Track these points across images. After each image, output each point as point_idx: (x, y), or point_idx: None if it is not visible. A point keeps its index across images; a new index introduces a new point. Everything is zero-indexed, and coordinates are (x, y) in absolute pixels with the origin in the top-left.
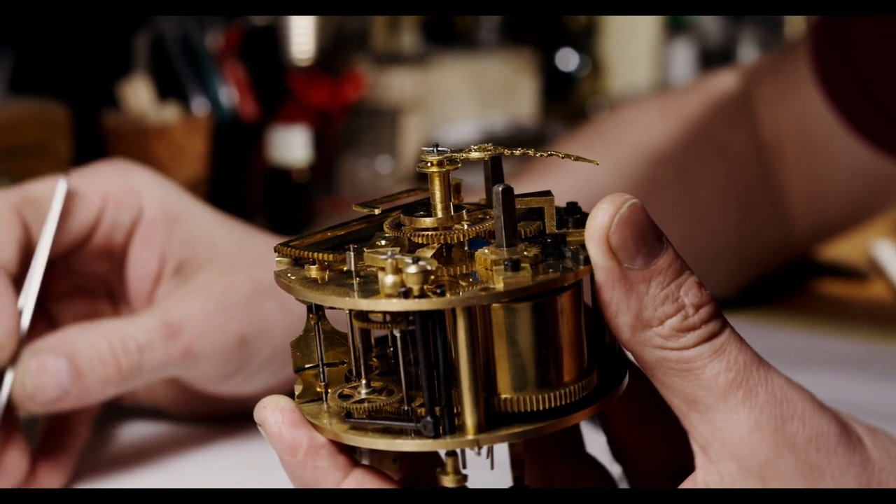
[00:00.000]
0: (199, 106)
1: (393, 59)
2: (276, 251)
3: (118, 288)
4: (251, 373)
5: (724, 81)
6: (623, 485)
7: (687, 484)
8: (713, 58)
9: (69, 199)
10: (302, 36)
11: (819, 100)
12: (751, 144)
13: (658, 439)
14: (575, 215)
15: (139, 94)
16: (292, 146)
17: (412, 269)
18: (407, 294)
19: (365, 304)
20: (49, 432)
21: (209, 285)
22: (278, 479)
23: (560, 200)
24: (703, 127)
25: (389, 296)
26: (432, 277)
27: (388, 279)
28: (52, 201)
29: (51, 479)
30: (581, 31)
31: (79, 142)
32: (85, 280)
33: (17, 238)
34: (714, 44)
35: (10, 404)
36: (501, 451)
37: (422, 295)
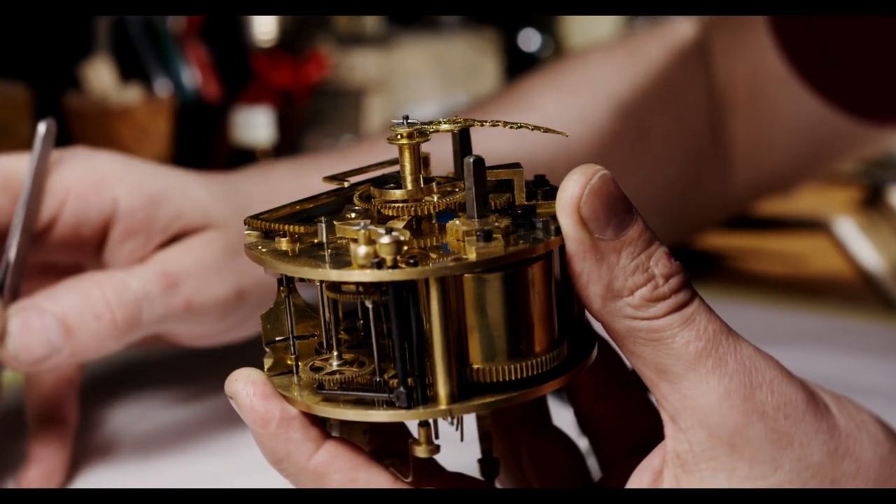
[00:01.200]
0: (162, 87)
1: (356, 39)
2: (246, 224)
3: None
4: (249, 327)
5: (685, 29)
6: (590, 458)
7: (656, 453)
8: None
9: (49, 142)
10: (264, 17)
11: (772, 49)
12: (705, 93)
13: (625, 412)
14: (543, 187)
15: (101, 76)
16: (256, 127)
17: (385, 240)
18: (380, 265)
19: (338, 276)
20: (39, 426)
21: (203, 241)
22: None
23: (520, 137)
24: (665, 76)
25: (363, 267)
26: (405, 248)
27: (361, 250)
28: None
29: (50, 473)
30: None
31: None
32: (58, 259)
33: None
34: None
35: None
36: (469, 424)
37: (394, 266)
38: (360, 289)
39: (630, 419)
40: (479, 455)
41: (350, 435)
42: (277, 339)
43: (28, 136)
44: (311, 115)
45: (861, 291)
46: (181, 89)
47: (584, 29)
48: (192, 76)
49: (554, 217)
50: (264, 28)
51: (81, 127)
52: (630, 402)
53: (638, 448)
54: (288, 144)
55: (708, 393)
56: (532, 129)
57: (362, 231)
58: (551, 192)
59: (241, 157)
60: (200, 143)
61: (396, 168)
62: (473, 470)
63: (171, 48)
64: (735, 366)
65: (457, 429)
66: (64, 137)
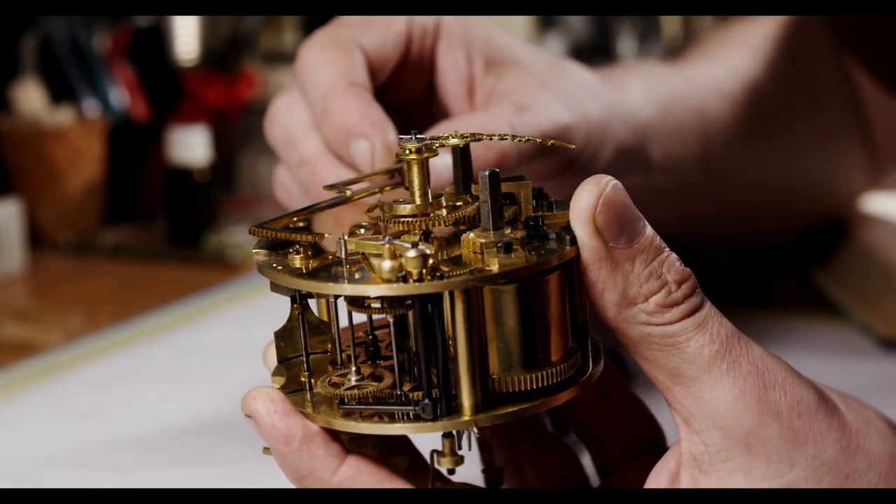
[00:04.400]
0: (90, 108)
1: (278, 57)
2: (251, 233)
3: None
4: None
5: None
6: (585, 461)
7: (671, 454)
8: (585, 53)
9: None
10: (186, 36)
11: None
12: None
13: (622, 416)
14: (544, 200)
15: (31, 97)
16: (192, 146)
17: (412, 254)
18: (405, 279)
19: (364, 291)
20: None
21: (529, 76)
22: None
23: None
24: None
25: (388, 281)
26: (430, 261)
27: (386, 264)
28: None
29: None
30: None
31: None
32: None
33: (362, 62)
34: (584, 39)
35: None
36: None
37: (420, 279)
38: (385, 303)
39: (626, 421)
40: (479, 466)
41: (359, 449)
42: (291, 356)
43: None
44: (243, 134)
45: (799, 293)
46: (110, 110)
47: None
48: (119, 97)
49: (564, 227)
50: (186, 47)
51: (14, 149)
52: (627, 407)
53: (636, 450)
54: (223, 163)
55: (723, 395)
56: (539, 142)
57: (387, 245)
58: (553, 204)
59: (178, 177)
60: (133, 164)
61: (387, 179)
62: (477, 481)
63: (98, 69)
64: (748, 367)
65: (469, 446)
66: None
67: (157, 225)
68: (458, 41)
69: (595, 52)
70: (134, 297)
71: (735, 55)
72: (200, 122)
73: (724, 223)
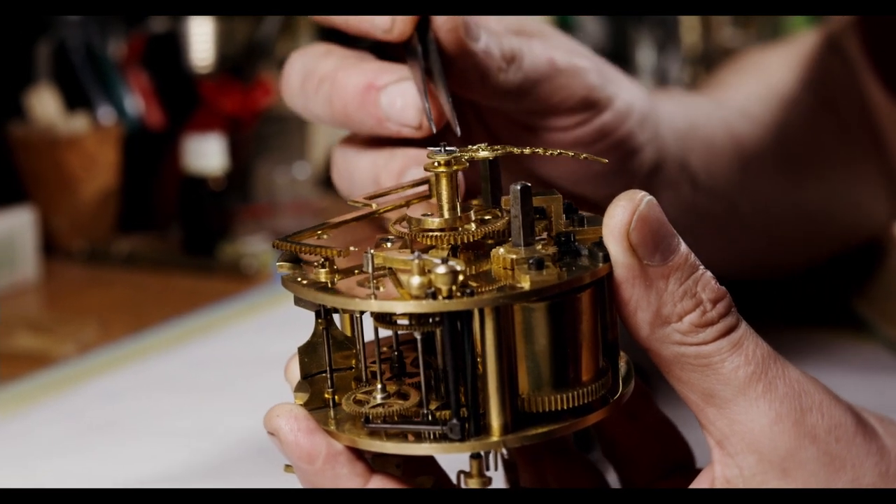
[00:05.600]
0: (105, 115)
1: None
2: (274, 246)
3: None
4: None
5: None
6: (611, 478)
7: (704, 477)
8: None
9: None
10: (201, 43)
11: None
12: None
13: (650, 436)
14: (575, 215)
15: (46, 104)
16: (207, 154)
17: (441, 270)
18: (434, 295)
19: (393, 307)
20: None
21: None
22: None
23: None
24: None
25: (417, 297)
26: (460, 278)
27: (415, 280)
28: None
29: None
30: None
31: None
32: None
33: None
34: (601, 47)
35: None
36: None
37: (450, 296)
38: (413, 320)
39: (654, 441)
40: (504, 486)
41: (382, 468)
42: (315, 372)
43: None
44: (257, 142)
45: (822, 308)
46: (125, 117)
47: None
48: (134, 104)
49: (597, 244)
50: (201, 54)
51: (29, 156)
52: (655, 426)
53: (664, 471)
54: (238, 171)
55: (759, 417)
56: (572, 156)
57: (416, 261)
58: (584, 220)
59: (193, 185)
60: (148, 172)
61: (419, 190)
62: None
63: (112, 76)
64: (785, 390)
65: (496, 466)
66: (9, 166)
67: (172, 234)
68: None
69: (613, 62)
70: (148, 307)
71: (752, 82)
72: (216, 130)
73: (765, 255)
